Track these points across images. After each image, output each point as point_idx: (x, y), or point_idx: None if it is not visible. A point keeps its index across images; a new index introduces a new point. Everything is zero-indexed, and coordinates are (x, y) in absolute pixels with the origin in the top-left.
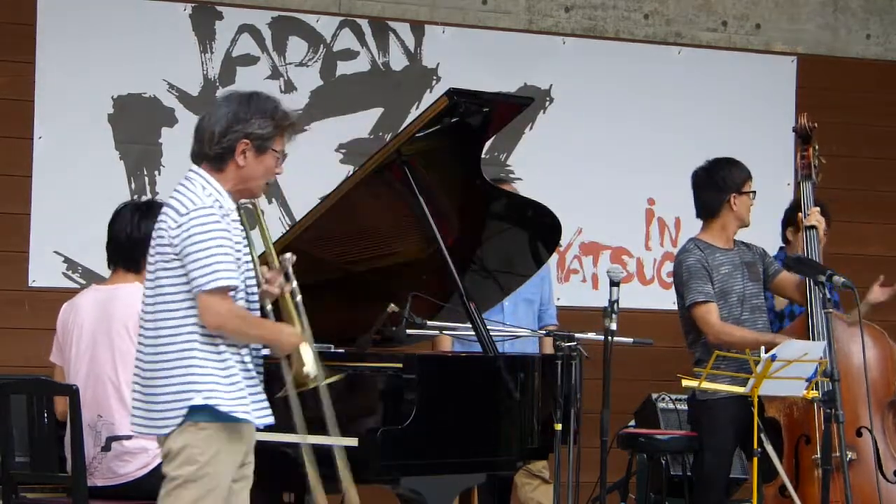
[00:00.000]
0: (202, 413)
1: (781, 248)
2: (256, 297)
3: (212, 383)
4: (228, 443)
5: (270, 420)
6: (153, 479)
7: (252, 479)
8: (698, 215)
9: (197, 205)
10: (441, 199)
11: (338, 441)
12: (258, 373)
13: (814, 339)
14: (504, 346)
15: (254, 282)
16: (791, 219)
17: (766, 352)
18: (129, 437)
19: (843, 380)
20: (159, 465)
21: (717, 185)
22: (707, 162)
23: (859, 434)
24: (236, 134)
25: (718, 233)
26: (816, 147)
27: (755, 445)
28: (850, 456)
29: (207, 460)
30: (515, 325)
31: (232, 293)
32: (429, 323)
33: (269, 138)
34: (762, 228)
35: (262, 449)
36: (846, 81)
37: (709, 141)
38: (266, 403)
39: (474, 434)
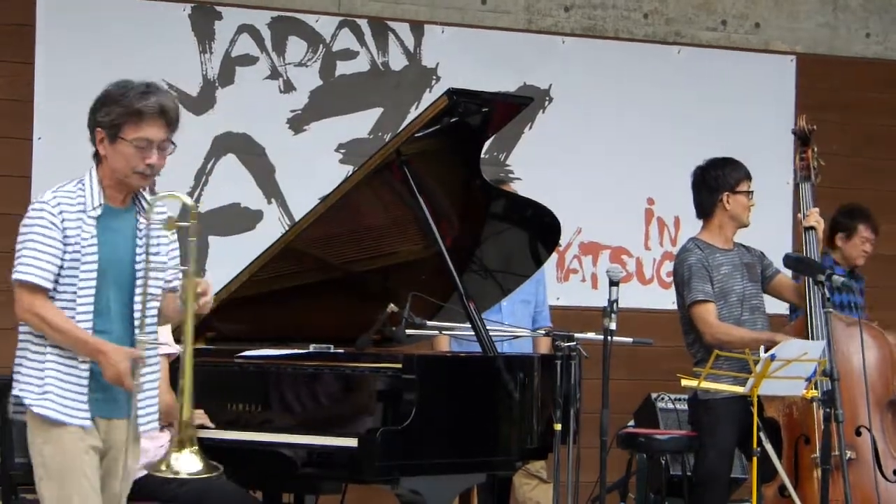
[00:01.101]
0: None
1: (825, 254)
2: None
3: (27, 375)
4: (51, 434)
5: (83, 422)
6: (152, 481)
7: (132, 474)
8: (697, 215)
9: (37, 199)
10: (440, 199)
11: (338, 441)
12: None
13: (813, 339)
14: (504, 346)
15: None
16: (840, 225)
17: (766, 351)
18: None
19: (842, 379)
20: None
21: (710, 184)
22: (705, 161)
23: (858, 433)
24: (91, 124)
25: (717, 233)
26: (815, 149)
27: (755, 445)
28: (849, 455)
29: (39, 448)
30: (514, 325)
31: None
32: (428, 323)
33: (117, 125)
34: (763, 227)
35: (259, 450)
36: (846, 80)
37: (708, 140)
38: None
39: (474, 434)
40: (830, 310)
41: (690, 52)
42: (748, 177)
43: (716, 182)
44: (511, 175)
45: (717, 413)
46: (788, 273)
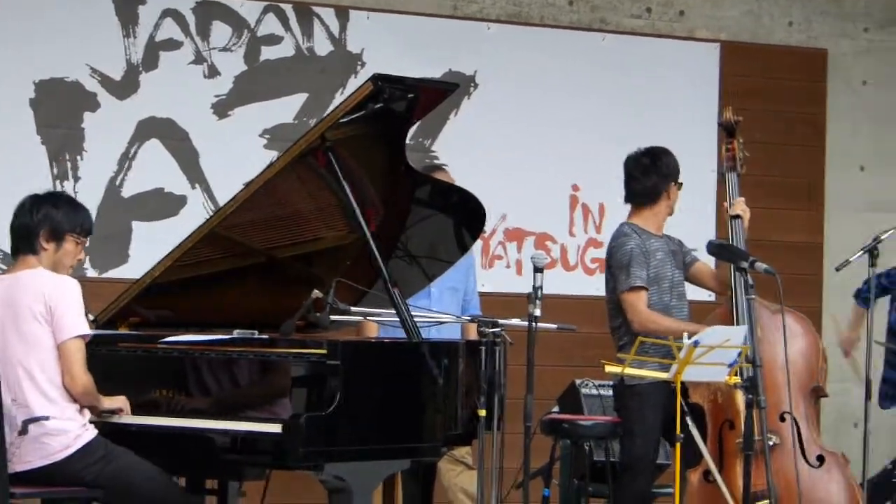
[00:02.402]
0: None
1: None
2: None
3: None
4: None
5: None
6: (76, 461)
7: None
8: (631, 201)
9: None
10: (365, 185)
11: (262, 427)
12: None
13: (737, 325)
14: (431, 332)
15: None
16: None
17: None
18: (46, 419)
19: (767, 366)
20: (83, 447)
21: (662, 171)
22: (645, 148)
23: (782, 419)
24: None
25: (651, 219)
26: (741, 140)
27: (678, 431)
28: (772, 441)
29: None
30: (442, 311)
31: None
32: (353, 309)
33: None
34: (687, 215)
35: (183, 435)
36: (769, 68)
37: (633, 127)
38: None
39: (398, 420)
40: (753, 297)
41: (615, 39)
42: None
43: (667, 169)
44: (437, 161)
45: (643, 398)
46: (707, 260)
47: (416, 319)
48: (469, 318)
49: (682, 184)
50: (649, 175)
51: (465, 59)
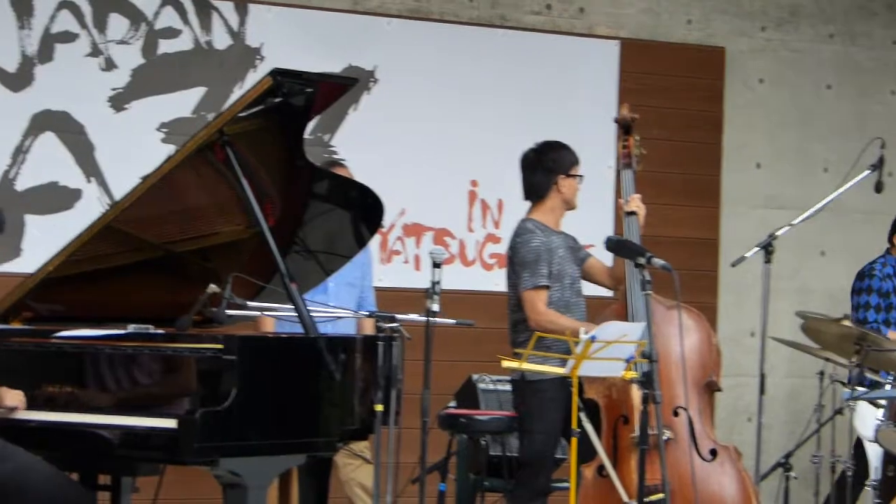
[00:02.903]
0: None
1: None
2: None
3: None
4: None
5: None
6: None
7: None
8: (527, 197)
9: None
10: (263, 180)
11: (156, 422)
12: None
13: (633, 321)
14: (328, 327)
15: None
16: None
17: None
18: None
19: (661, 361)
20: None
21: (546, 166)
22: (536, 144)
23: (676, 414)
24: None
25: (549, 215)
26: (637, 137)
27: (574, 426)
28: (667, 435)
29: None
30: (338, 306)
31: None
32: (250, 304)
33: None
34: (586, 211)
35: (76, 431)
36: (667, 65)
37: (533, 124)
38: None
39: (294, 415)
40: (650, 292)
41: (515, 35)
42: (578, 161)
43: (552, 164)
44: (336, 156)
45: (545, 395)
46: (600, 256)
47: (313, 314)
48: (367, 313)
49: (580, 177)
50: (534, 170)
51: (365, 54)
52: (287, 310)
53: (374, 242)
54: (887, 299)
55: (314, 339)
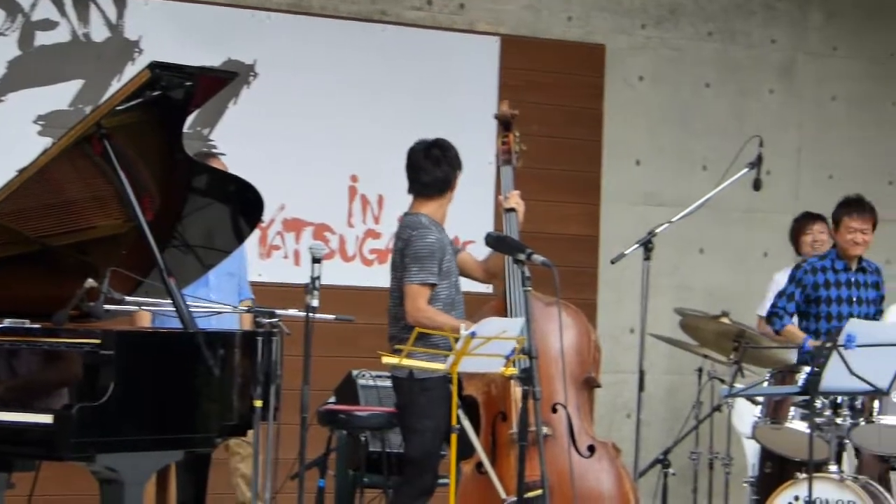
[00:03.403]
0: None
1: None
2: None
3: None
4: None
5: None
6: None
7: None
8: (420, 192)
9: None
10: (142, 174)
11: (32, 418)
12: None
13: (512, 317)
14: (211, 321)
15: None
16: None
17: None
18: None
19: (540, 357)
20: None
21: (452, 162)
22: (431, 140)
23: (555, 410)
24: None
25: (438, 211)
26: (517, 134)
27: (454, 422)
28: (545, 432)
29: None
30: (220, 298)
31: None
32: (128, 298)
33: None
34: (467, 207)
35: None
36: (548, 62)
37: (414, 119)
38: None
39: (172, 411)
40: (529, 288)
41: (395, 30)
42: None
43: (456, 160)
44: (215, 150)
45: (433, 393)
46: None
47: (193, 309)
48: (247, 308)
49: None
50: (440, 165)
51: (244, 47)
52: (166, 304)
53: (253, 236)
54: (805, 292)
55: (192, 334)
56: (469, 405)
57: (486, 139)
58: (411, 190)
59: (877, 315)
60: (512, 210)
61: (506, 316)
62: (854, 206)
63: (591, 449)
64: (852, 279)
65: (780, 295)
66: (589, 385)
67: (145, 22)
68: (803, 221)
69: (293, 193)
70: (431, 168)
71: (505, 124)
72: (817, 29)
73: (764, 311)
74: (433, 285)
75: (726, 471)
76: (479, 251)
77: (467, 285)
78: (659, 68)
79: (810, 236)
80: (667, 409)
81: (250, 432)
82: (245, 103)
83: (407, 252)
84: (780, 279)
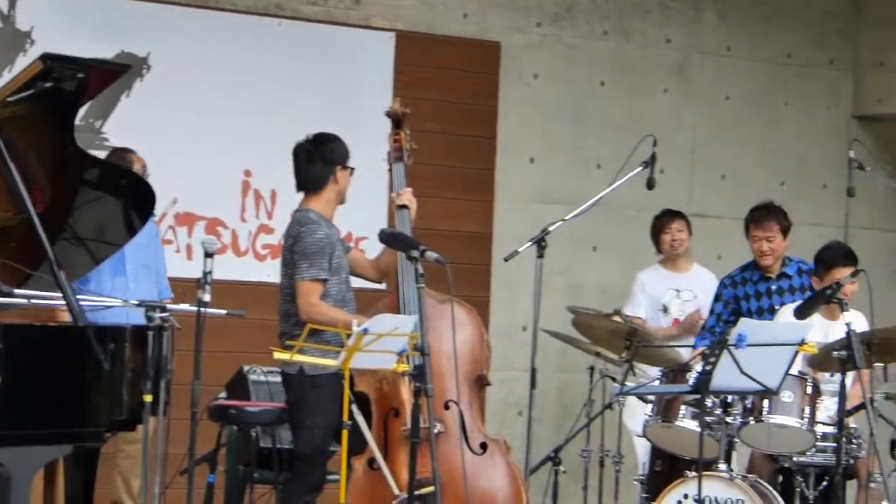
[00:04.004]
0: None
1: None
2: None
3: None
4: None
5: None
6: None
7: None
8: (302, 188)
9: None
10: (33, 165)
11: None
12: None
13: (406, 314)
14: (132, 315)
15: None
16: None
17: None
18: None
19: (433, 354)
20: None
21: (326, 157)
22: (312, 135)
23: (447, 407)
24: None
25: (326, 207)
26: (408, 132)
27: (346, 418)
28: (437, 428)
29: None
30: (137, 288)
31: None
32: (17, 291)
33: None
34: (360, 204)
35: None
36: (443, 59)
37: (308, 115)
38: None
39: (61, 405)
40: (422, 286)
41: (291, 25)
42: (349, 153)
43: (332, 155)
44: (107, 143)
45: (324, 389)
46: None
47: (83, 303)
48: (136, 303)
49: (353, 169)
50: (314, 162)
51: (138, 40)
52: (56, 298)
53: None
54: (728, 307)
55: (82, 328)
56: (361, 401)
57: (381, 136)
58: (297, 186)
59: None
60: (404, 207)
61: (399, 313)
62: (756, 213)
63: (483, 446)
64: (773, 287)
65: (710, 313)
66: (480, 382)
67: (37, 13)
68: (664, 219)
69: (186, 187)
70: (306, 165)
71: (396, 122)
72: (712, 29)
73: (631, 311)
74: (324, 281)
75: (617, 469)
76: (374, 248)
77: (360, 282)
78: (554, 66)
79: (669, 235)
80: (558, 406)
81: (140, 427)
82: (138, 96)
83: (296, 248)
84: (644, 278)
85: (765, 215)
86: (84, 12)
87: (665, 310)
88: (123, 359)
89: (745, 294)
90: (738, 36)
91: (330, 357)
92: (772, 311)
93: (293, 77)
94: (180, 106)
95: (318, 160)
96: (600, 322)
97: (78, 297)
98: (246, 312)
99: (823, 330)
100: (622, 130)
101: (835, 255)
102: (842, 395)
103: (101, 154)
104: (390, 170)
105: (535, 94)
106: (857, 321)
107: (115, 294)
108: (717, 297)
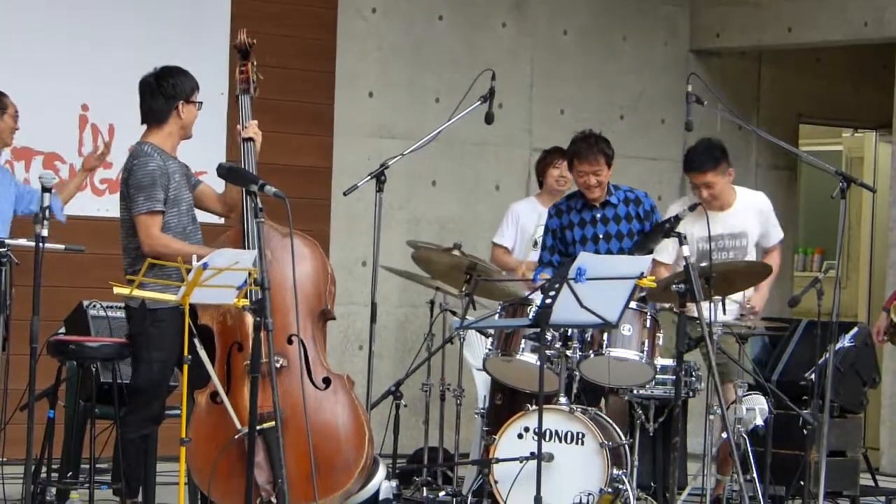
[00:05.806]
0: None
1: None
2: None
3: None
4: None
5: None
6: None
7: None
8: (144, 121)
9: None
10: None
11: None
12: None
13: (248, 249)
14: None
15: None
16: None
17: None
18: None
19: (276, 289)
20: None
21: (166, 91)
22: (156, 69)
23: (290, 342)
24: None
25: (166, 140)
26: (255, 63)
27: (186, 352)
28: (280, 363)
29: None
30: None
31: None
32: None
33: None
34: (198, 138)
35: None
36: None
37: (145, 48)
38: None
39: None
40: (262, 220)
41: None
42: (198, 87)
43: (173, 90)
44: None
45: (165, 324)
46: (212, 183)
47: None
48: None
49: (201, 103)
50: (155, 96)
51: None
52: None
53: None
54: (556, 237)
55: None
56: (205, 335)
57: (217, 70)
58: (140, 119)
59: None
60: (250, 140)
61: (242, 247)
62: (580, 146)
63: (326, 381)
64: (597, 216)
65: (542, 247)
66: (324, 317)
67: None
68: (554, 154)
69: (22, 122)
70: (148, 98)
71: (243, 53)
72: None
73: (499, 239)
74: (161, 212)
75: (458, 402)
76: (212, 182)
77: (203, 217)
78: (392, 1)
79: (558, 171)
80: (399, 341)
81: None
82: None
83: (130, 182)
84: (518, 209)
85: (589, 148)
86: None
87: (536, 244)
88: None
89: (570, 222)
90: None
91: (171, 292)
92: (595, 240)
93: (131, 9)
94: (13, 38)
95: (160, 94)
96: (440, 257)
97: None
98: (85, 247)
99: (720, 223)
100: (461, 65)
101: (688, 159)
102: (681, 329)
103: None
104: (236, 102)
105: (372, 29)
106: (758, 201)
107: None
108: (546, 229)
